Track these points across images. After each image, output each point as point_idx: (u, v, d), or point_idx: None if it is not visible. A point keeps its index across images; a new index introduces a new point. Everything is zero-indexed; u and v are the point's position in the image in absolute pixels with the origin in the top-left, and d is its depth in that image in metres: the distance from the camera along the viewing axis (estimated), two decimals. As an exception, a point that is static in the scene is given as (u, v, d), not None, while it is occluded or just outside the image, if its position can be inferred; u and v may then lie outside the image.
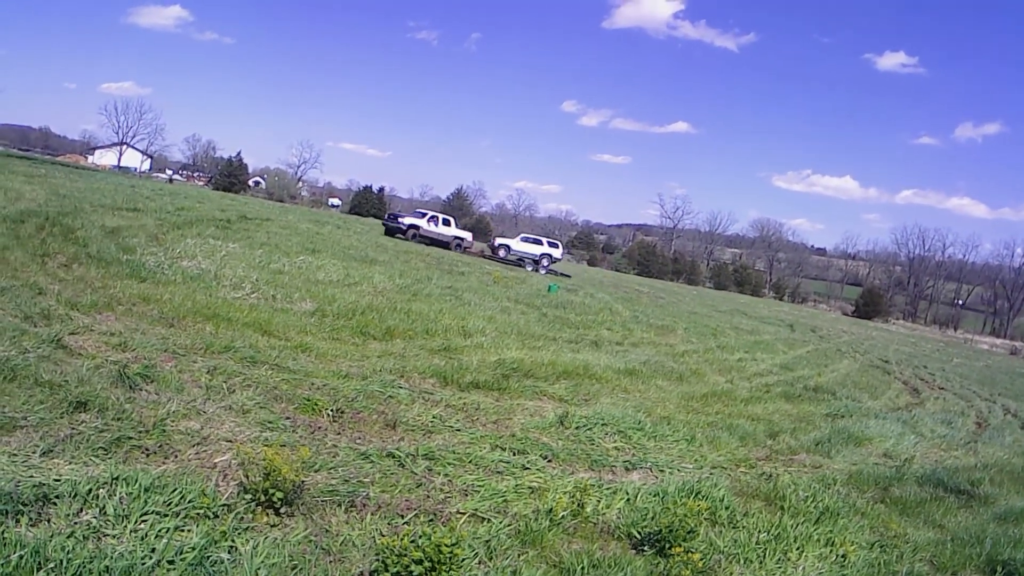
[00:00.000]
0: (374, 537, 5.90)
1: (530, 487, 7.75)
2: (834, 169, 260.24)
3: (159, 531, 5.27)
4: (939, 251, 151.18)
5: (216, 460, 6.66)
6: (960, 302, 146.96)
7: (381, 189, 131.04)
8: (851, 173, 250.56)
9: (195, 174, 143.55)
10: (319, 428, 8.20)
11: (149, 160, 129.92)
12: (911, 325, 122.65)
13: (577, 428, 10.32)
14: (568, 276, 50.40)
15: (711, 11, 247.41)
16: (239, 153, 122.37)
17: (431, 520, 6.43)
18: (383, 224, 55.43)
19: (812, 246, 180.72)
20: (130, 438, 6.74)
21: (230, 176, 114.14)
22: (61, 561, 4.62)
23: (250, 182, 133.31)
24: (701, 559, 6.37)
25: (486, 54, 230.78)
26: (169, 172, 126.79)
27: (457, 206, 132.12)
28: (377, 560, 5.32)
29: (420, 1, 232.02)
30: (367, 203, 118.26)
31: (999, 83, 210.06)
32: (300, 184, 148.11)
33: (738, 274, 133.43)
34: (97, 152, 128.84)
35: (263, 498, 5.82)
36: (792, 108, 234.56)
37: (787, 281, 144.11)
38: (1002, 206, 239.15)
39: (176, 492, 5.74)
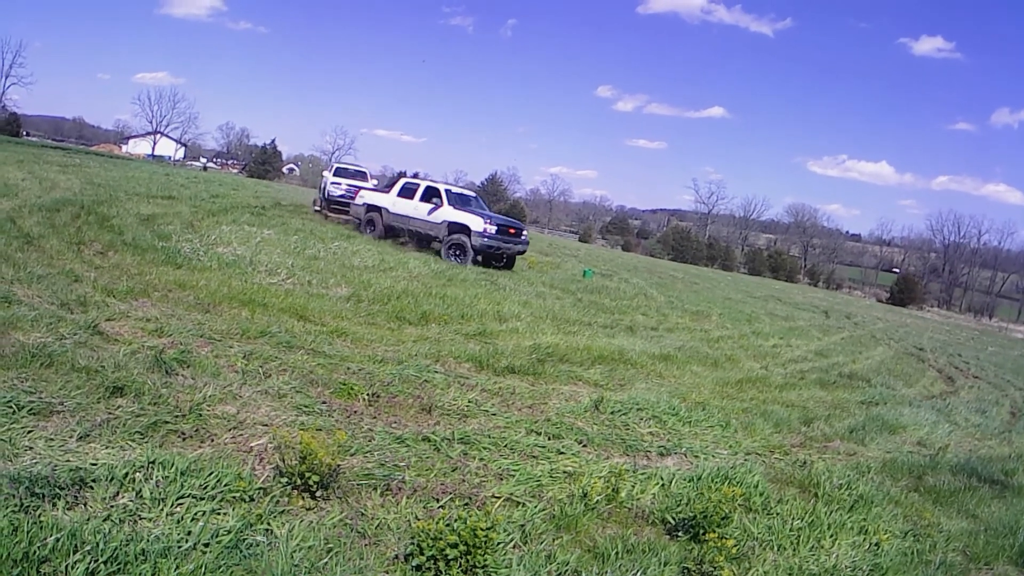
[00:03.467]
0: (409, 521, 5.86)
1: (565, 472, 7.72)
2: (870, 154, 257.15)
3: (195, 514, 5.26)
4: (974, 238, 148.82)
5: (252, 444, 6.67)
6: (995, 290, 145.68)
7: (416, 174, 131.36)
8: (887, 159, 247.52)
9: (229, 162, 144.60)
10: (355, 412, 8.21)
11: (183, 148, 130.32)
12: (945, 313, 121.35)
13: (612, 413, 10.25)
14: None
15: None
16: (273, 140, 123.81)
17: (466, 504, 6.40)
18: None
19: (847, 232, 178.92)
20: (166, 422, 6.75)
21: (264, 163, 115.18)
22: (97, 544, 4.61)
23: (284, 169, 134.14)
24: (735, 545, 6.28)
25: (521, 40, 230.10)
26: (203, 160, 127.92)
27: (492, 191, 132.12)
28: (412, 544, 5.29)
29: None
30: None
31: None
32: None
33: (772, 260, 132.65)
34: (131, 141, 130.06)
35: (299, 482, 5.81)
36: (827, 93, 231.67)
37: (821, 267, 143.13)
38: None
39: (212, 476, 5.74)
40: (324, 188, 35.57)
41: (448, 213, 26.93)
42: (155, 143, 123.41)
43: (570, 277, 30.13)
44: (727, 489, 7.18)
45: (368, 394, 8.83)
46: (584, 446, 8.80)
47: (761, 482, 8.53)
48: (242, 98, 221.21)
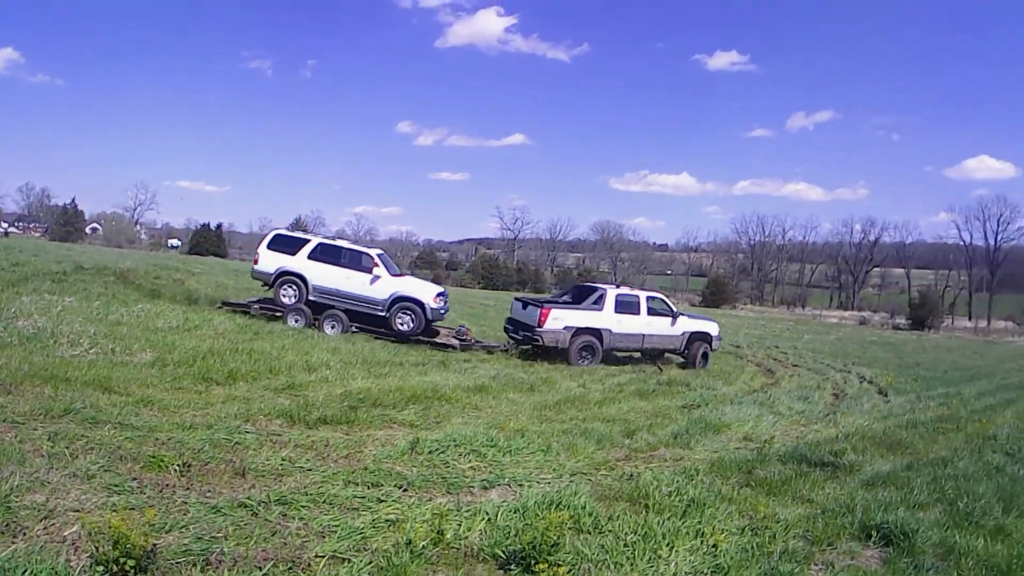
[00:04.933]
0: (232, 594, 5.82)
1: (387, 520, 7.70)
2: (671, 167, 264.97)
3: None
4: (779, 235, 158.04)
5: (65, 533, 6.49)
6: (805, 281, 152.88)
7: (219, 225, 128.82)
8: (687, 170, 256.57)
9: (31, 225, 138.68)
10: (167, 485, 8.03)
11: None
12: (759, 308, 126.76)
13: (430, 453, 10.35)
14: None
15: (543, 25, 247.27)
16: (73, 200, 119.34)
17: (290, 568, 6.36)
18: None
19: (654, 243, 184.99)
20: (-27, 521, 6.52)
21: (66, 225, 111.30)
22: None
23: (87, 229, 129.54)
24: (569, 571, 6.52)
25: (322, 80, 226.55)
26: (4, 226, 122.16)
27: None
28: (236, 617, 5.29)
29: (253, 30, 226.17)
30: (206, 241, 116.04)
31: (828, 73, 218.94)
32: (138, 227, 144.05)
33: (582, 278, 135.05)
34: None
35: (116, 568, 5.72)
36: (627, 112, 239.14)
37: (632, 279, 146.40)
38: (838, 187, 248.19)
39: (27, 574, 5.64)
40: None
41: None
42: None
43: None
44: (553, 515, 7.30)
45: (179, 464, 8.62)
46: (405, 491, 8.83)
47: (589, 502, 8.73)
48: (41, 155, 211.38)
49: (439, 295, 25.15)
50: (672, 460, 11.92)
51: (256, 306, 24.77)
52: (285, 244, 25.25)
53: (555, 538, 6.96)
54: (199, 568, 6.18)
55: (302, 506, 7.83)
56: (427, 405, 13.90)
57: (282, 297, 24.45)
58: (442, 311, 25.37)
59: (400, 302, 24.38)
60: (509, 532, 7.58)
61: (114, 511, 6.79)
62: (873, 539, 8.71)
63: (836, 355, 36.18)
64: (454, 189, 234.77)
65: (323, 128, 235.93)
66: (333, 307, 24.28)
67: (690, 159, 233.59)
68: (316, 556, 6.69)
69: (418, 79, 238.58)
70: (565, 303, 25.94)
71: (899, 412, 19.45)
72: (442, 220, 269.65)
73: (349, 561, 6.66)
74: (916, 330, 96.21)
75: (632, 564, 7.18)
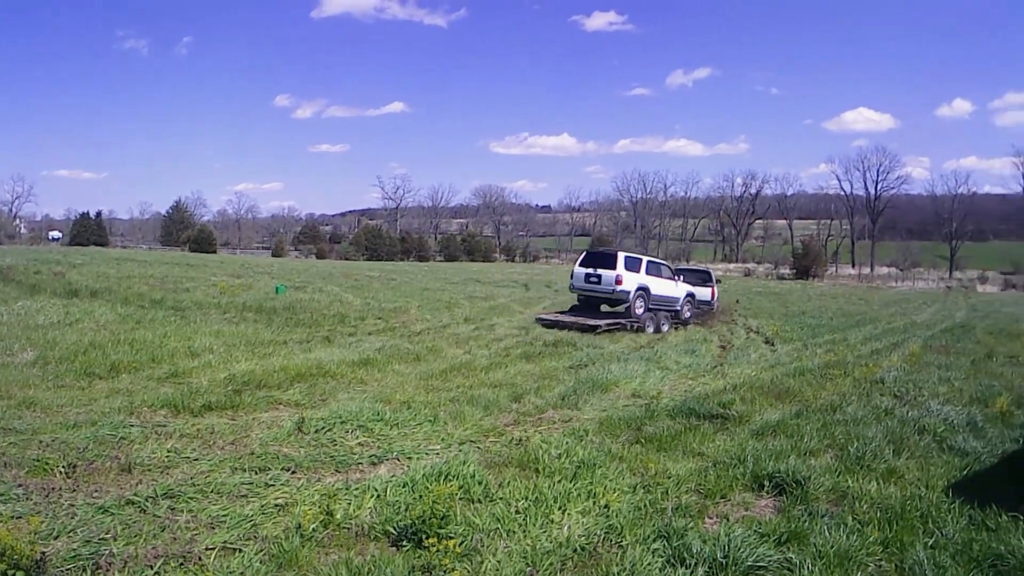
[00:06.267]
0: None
1: (276, 505, 7.69)
2: (551, 129, 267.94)
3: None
4: (661, 192, 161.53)
5: (-48, 548, 6.44)
6: (689, 236, 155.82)
7: (99, 214, 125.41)
8: (568, 131, 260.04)
9: None
10: (53, 489, 7.88)
11: None
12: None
13: (317, 432, 10.32)
14: None
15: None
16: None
17: (181, 564, 6.30)
18: None
19: (536, 205, 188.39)
20: None
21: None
22: None
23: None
24: (461, 543, 6.55)
25: (198, 57, 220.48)
26: None
27: (178, 219, 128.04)
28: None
29: (127, 8, 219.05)
30: (87, 231, 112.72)
31: (707, 30, 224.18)
32: (17, 221, 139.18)
33: (467, 243, 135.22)
34: None
35: (5, 580, 5.70)
36: (506, 76, 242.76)
37: (516, 242, 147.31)
38: (718, 143, 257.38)
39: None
40: None
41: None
42: None
43: (263, 296, 29.80)
44: (441, 488, 7.37)
45: (64, 466, 8.50)
46: (293, 473, 8.80)
47: (478, 470, 8.79)
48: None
49: None
50: (561, 422, 12.04)
51: None
52: None
53: (445, 510, 7.01)
54: (89, 573, 6.11)
55: (190, 498, 7.76)
56: (312, 383, 13.88)
57: None
58: None
59: None
60: (399, 507, 7.58)
61: (0, 521, 6.74)
62: (766, 489, 8.88)
63: (723, 310, 36.92)
64: (335, 161, 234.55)
65: (201, 106, 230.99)
66: None
67: (570, 120, 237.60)
68: (207, 549, 6.63)
69: (295, 51, 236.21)
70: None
71: (786, 361, 20.01)
72: (324, 193, 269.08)
73: (240, 551, 6.62)
74: (801, 279, 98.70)
75: (525, 531, 7.20)
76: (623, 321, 26.60)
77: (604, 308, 28.78)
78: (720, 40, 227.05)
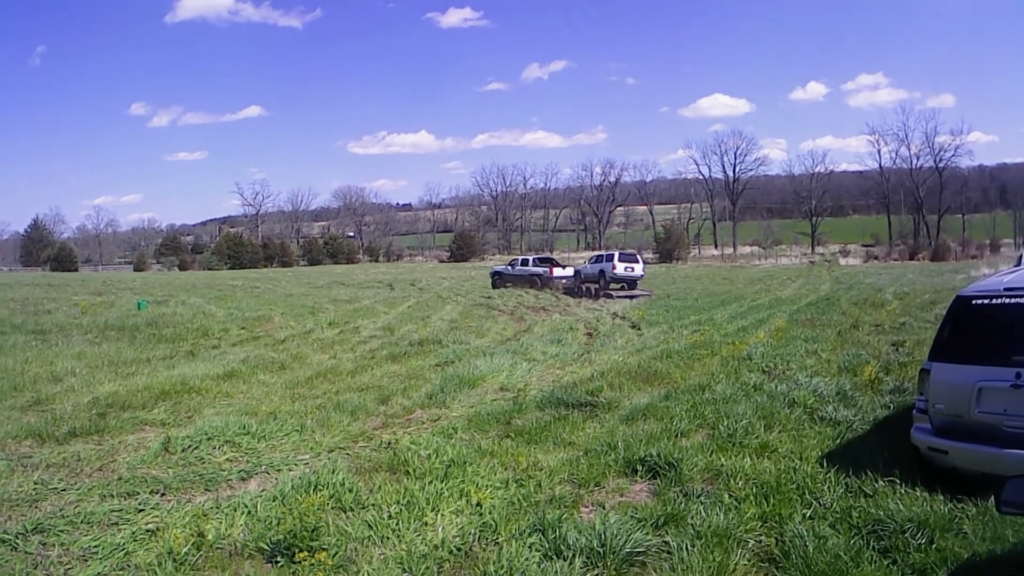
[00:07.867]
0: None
1: (148, 530, 7.39)
2: (409, 127, 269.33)
3: None
4: (521, 184, 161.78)
5: None
6: (551, 227, 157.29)
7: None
8: (426, 128, 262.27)
9: None
10: None
11: None
12: (507, 258, 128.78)
13: (184, 451, 10.05)
14: None
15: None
16: None
17: None
18: None
19: (397, 203, 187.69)
20: None
21: None
22: None
23: None
24: (334, 554, 6.47)
25: (52, 67, 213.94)
26: None
27: (37, 238, 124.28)
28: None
29: None
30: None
31: (561, 24, 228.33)
32: None
33: (329, 246, 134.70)
34: None
35: None
36: (362, 76, 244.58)
37: (379, 242, 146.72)
38: (576, 133, 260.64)
39: None
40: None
41: None
42: None
43: (125, 314, 29.06)
44: (311, 499, 7.33)
45: None
46: (162, 495, 8.54)
47: (348, 477, 8.61)
48: None
49: None
50: (430, 421, 12.04)
51: None
52: None
53: (315, 522, 6.88)
54: (-36, 619, 5.80)
55: (60, 531, 7.43)
56: (177, 400, 13.55)
57: None
58: None
59: None
60: (271, 523, 7.34)
61: None
62: (640, 473, 8.82)
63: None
64: (193, 169, 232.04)
65: (55, 118, 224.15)
66: None
67: (428, 117, 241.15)
68: (80, 583, 6.39)
69: (149, 57, 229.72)
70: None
71: (653, 344, 20.31)
72: (184, 203, 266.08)
73: (114, 583, 6.40)
74: (664, 263, 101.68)
75: (399, 536, 7.07)
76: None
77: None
78: (575, 33, 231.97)
